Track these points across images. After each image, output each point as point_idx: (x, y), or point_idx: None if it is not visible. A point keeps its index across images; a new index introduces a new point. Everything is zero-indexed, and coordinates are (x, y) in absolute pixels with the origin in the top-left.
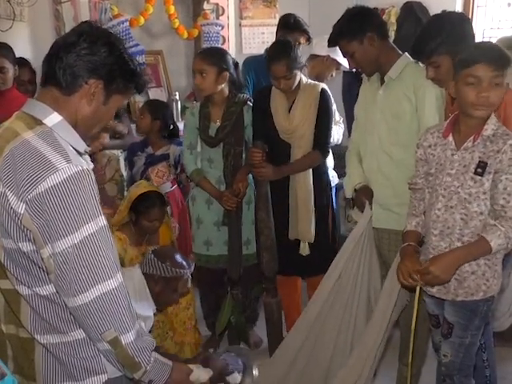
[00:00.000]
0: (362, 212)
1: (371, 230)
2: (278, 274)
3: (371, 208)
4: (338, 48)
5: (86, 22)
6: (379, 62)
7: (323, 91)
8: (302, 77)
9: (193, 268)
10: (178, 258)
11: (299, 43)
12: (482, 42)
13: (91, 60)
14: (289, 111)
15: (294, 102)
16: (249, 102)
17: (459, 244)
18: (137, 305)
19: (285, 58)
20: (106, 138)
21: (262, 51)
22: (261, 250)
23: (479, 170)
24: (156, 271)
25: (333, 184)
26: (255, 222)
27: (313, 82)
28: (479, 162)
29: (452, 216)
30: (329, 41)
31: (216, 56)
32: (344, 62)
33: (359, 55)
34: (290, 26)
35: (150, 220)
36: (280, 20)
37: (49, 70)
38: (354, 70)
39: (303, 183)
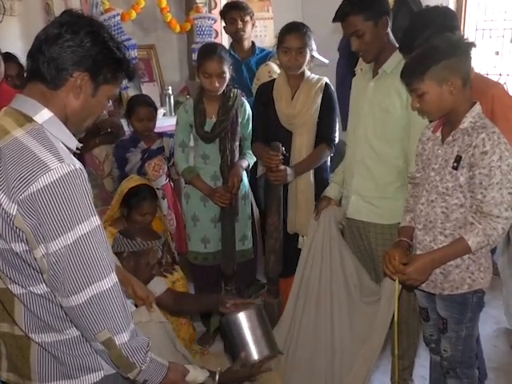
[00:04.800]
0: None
1: (335, 229)
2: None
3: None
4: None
5: (67, 11)
6: (382, 49)
7: (327, 85)
8: (306, 69)
9: (163, 239)
10: (145, 232)
11: (236, 19)
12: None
13: (75, 52)
14: (291, 99)
15: (296, 91)
16: (242, 97)
17: (442, 238)
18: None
19: (301, 32)
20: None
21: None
22: (268, 253)
23: (455, 164)
24: (124, 248)
25: None
26: (252, 220)
27: (316, 75)
28: (456, 156)
29: (433, 210)
30: (338, 14)
31: (227, 55)
32: (317, 55)
33: (370, 37)
34: (222, 12)
35: (141, 214)
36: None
37: (32, 64)
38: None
39: (304, 174)
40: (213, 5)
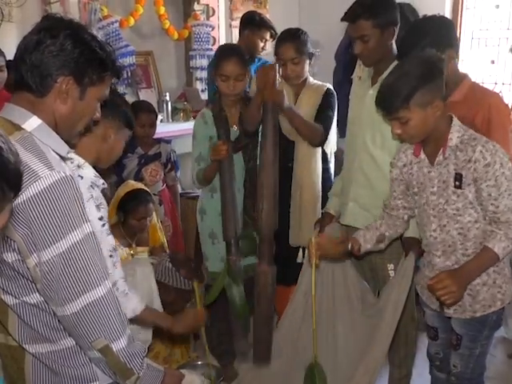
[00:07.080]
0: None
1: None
2: (277, 283)
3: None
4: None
5: (46, 16)
6: (383, 57)
7: (328, 90)
8: (308, 76)
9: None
10: (190, 266)
11: (266, 40)
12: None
13: (56, 56)
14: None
15: (297, 100)
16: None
17: (465, 258)
18: (134, 327)
19: (294, 41)
20: None
21: None
22: (259, 201)
23: (457, 182)
24: (171, 281)
25: None
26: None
27: (319, 82)
28: (455, 174)
29: (449, 234)
30: (347, 15)
31: (245, 57)
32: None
33: (374, 44)
34: (255, 23)
35: (137, 218)
36: (243, 19)
37: (16, 74)
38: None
39: (309, 184)
40: (211, 12)
